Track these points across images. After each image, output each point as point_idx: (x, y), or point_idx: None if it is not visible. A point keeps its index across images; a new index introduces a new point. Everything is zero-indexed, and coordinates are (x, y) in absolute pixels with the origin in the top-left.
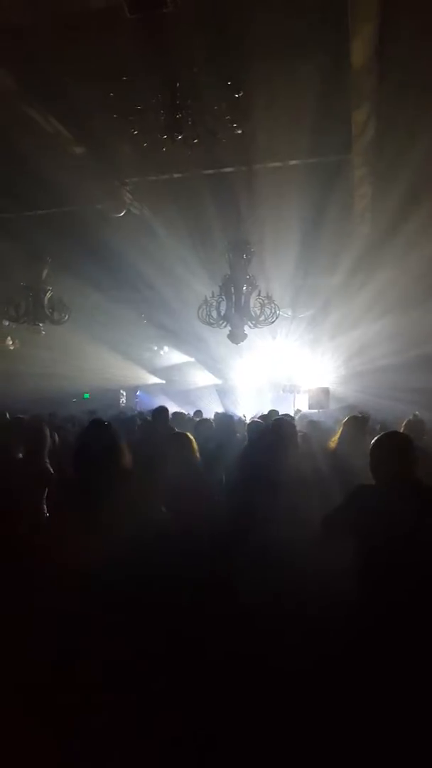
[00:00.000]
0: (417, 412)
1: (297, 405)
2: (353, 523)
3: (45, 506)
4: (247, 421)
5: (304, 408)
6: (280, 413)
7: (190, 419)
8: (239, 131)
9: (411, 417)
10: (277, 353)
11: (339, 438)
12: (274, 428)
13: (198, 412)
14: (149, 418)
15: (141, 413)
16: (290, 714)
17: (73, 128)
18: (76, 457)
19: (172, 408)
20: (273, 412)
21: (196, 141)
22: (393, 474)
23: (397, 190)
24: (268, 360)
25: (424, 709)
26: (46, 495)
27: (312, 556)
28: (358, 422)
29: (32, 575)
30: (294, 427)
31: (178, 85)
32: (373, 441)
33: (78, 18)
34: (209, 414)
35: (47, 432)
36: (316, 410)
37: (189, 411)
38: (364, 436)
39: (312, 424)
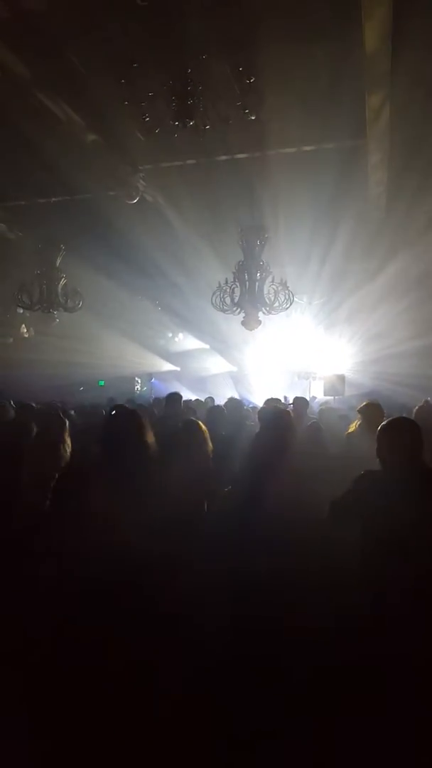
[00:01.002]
0: (430, 398)
1: (312, 392)
2: (359, 508)
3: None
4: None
5: (320, 395)
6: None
7: (202, 404)
8: (252, 117)
9: (422, 403)
10: (292, 340)
11: (357, 426)
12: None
13: (210, 399)
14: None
15: (157, 398)
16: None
17: (86, 115)
18: (105, 438)
19: (186, 395)
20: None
21: (207, 127)
22: (400, 460)
23: (413, 175)
24: (283, 346)
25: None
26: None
27: (317, 542)
28: (373, 409)
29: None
30: (287, 414)
31: (189, 71)
32: (380, 426)
33: (90, 5)
34: (222, 401)
35: (62, 420)
36: (331, 397)
37: (203, 398)
38: (377, 422)
39: (324, 411)
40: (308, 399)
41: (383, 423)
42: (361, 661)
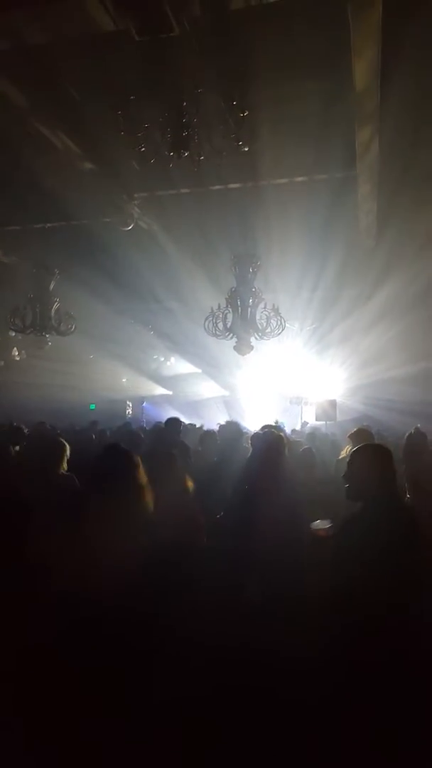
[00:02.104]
0: (419, 425)
1: (304, 417)
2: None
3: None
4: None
5: (311, 420)
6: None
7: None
8: (245, 149)
9: (412, 430)
10: (284, 365)
11: (347, 451)
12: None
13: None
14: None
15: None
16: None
17: (82, 144)
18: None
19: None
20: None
21: (202, 158)
22: (365, 490)
23: (402, 205)
24: (275, 372)
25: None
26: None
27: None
28: (363, 435)
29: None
30: (281, 440)
31: (184, 104)
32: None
33: (89, 39)
34: (214, 425)
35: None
36: (323, 422)
37: (195, 422)
38: None
39: (314, 437)
40: (300, 424)
41: (352, 451)
42: (361, 686)
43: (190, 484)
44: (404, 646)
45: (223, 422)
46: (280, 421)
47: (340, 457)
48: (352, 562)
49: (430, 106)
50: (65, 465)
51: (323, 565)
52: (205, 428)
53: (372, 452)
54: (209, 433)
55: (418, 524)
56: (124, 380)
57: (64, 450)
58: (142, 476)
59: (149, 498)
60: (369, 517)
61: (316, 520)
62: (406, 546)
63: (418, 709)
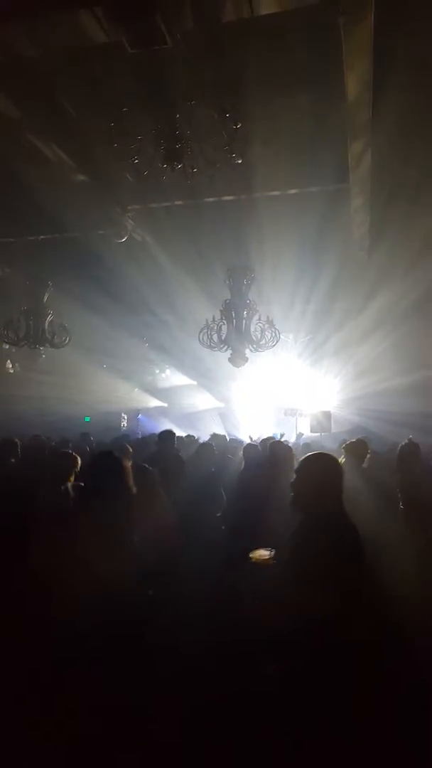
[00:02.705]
0: (411, 436)
1: (299, 428)
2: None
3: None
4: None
5: (306, 431)
6: (278, 436)
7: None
8: (238, 161)
9: (405, 441)
10: (279, 376)
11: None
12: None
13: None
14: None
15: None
16: None
17: (76, 157)
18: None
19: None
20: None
21: (195, 170)
22: (304, 502)
23: (395, 218)
24: (269, 383)
25: None
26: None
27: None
28: (356, 446)
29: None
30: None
31: (177, 116)
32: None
33: (82, 52)
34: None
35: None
36: (318, 433)
37: (193, 434)
38: (362, 460)
39: (307, 448)
40: (295, 435)
41: (302, 459)
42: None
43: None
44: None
45: (212, 434)
46: (277, 432)
47: None
48: (287, 577)
49: (421, 119)
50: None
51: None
52: (200, 440)
53: (313, 463)
54: (206, 445)
55: (358, 538)
56: (119, 393)
57: (76, 462)
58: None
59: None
60: (303, 531)
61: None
62: (338, 561)
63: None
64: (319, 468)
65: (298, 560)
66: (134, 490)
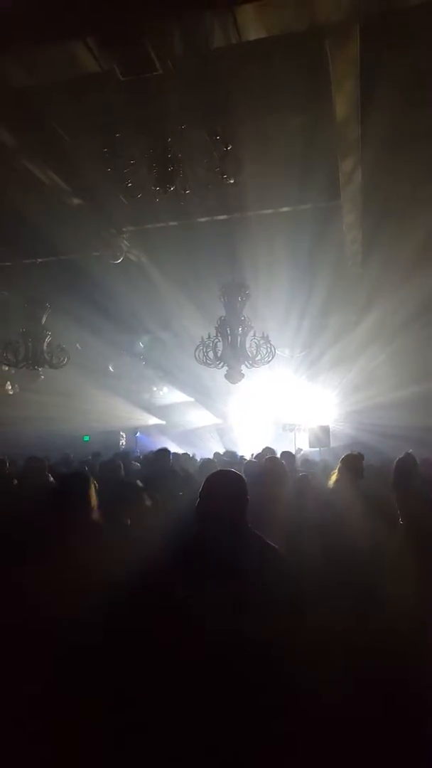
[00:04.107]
0: (410, 450)
1: (297, 443)
2: None
3: None
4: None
5: (305, 446)
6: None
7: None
8: (230, 181)
9: (403, 455)
10: (277, 392)
11: (336, 476)
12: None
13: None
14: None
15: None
16: None
17: (70, 181)
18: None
19: (172, 448)
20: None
21: (188, 192)
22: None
23: (387, 233)
24: (267, 399)
25: None
26: None
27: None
28: (352, 461)
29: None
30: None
31: (169, 140)
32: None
33: (74, 80)
34: (208, 453)
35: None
36: (317, 448)
37: (189, 451)
38: (359, 474)
39: (307, 463)
40: (294, 451)
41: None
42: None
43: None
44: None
45: (219, 452)
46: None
47: (330, 481)
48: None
49: (410, 135)
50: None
51: None
52: (198, 457)
53: (212, 479)
54: (209, 462)
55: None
56: (117, 412)
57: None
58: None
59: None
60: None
61: None
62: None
63: None
64: (211, 484)
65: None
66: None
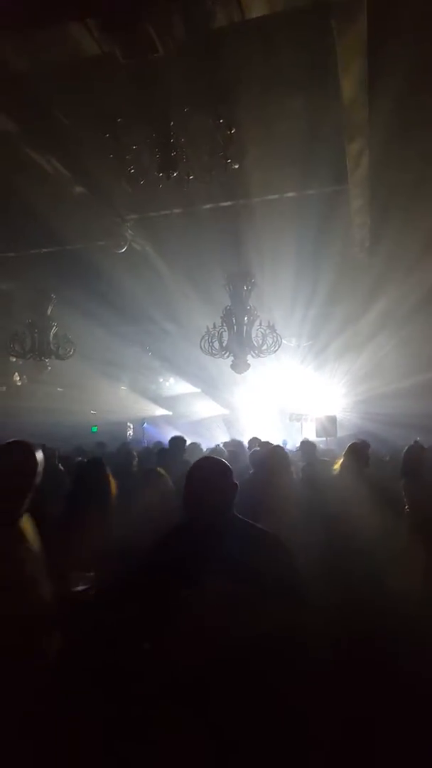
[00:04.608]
0: (418, 438)
1: (304, 433)
2: None
3: None
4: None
5: (312, 436)
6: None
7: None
8: (235, 166)
9: (412, 443)
10: (284, 382)
11: (340, 466)
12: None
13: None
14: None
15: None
16: None
17: (73, 169)
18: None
19: None
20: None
21: (191, 177)
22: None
23: (395, 218)
24: (274, 389)
25: None
26: None
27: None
28: (357, 450)
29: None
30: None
31: (171, 124)
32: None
33: (74, 64)
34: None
35: None
36: (323, 438)
37: (198, 442)
38: (364, 463)
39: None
40: (301, 441)
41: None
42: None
43: None
44: None
45: (226, 441)
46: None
47: (335, 467)
48: None
49: (419, 117)
50: None
51: None
52: (204, 447)
53: (197, 466)
54: (216, 451)
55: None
56: (124, 402)
57: None
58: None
59: None
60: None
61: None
62: None
63: None
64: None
65: None
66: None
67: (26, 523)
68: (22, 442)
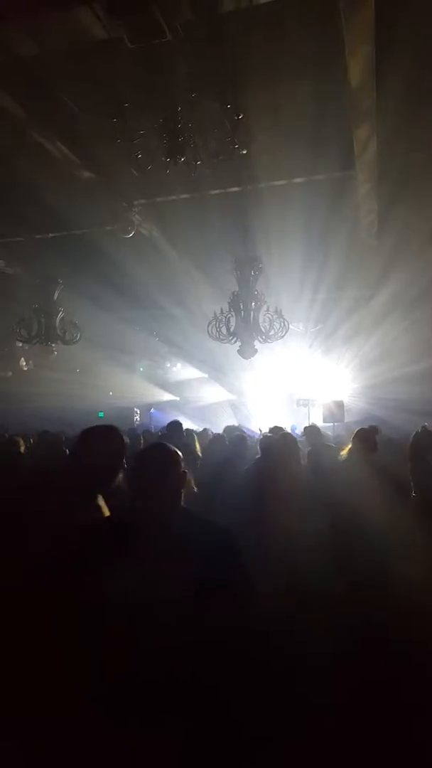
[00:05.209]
0: (426, 424)
1: (312, 418)
2: None
3: None
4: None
5: (319, 421)
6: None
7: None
8: (242, 152)
9: (420, 429)
10: (291, 367)
11: (348, 451)
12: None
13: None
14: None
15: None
16: None
17: (80, 153)
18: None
19: (187, 424)
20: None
21: (199, 163)
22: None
23: (403, 203)
24: (281, 374)
25: None
26: None
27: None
28: (364, 435)
29: None
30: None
31: (179, 109)
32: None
33: (81, 48)
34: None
35: None
36: (330, 423)
37: (203, 427)
38: (372, 448)
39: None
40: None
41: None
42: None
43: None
44: None
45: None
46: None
47: (343, 453)
48: None
49: (426, 102)
50: None
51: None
52: (211, 432)
53: (143, 454)
54: (218, 437)
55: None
56: (131, 388)
57: None
58: None
59: None
60: None
61: None
62: None
63: None
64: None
65: None
66: None
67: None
68: (115, 427)
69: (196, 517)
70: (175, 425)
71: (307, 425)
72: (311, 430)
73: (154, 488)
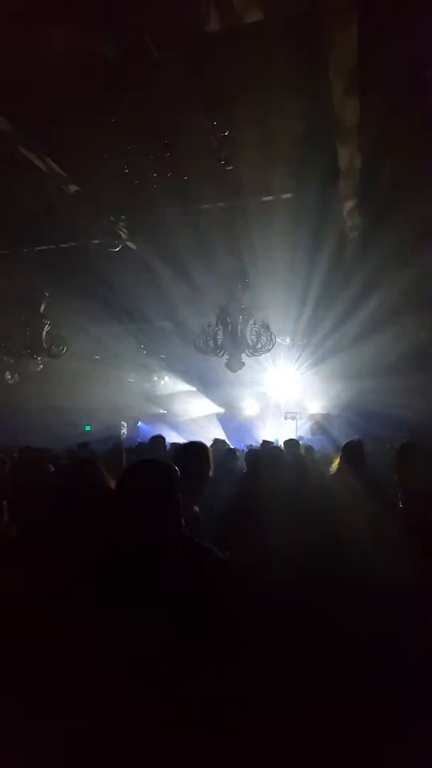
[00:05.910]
0: (407, 435)
1: (299, 431)
2: None
3: None
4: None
5: (307, 434)
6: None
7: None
8: (229, 168)
9: (404, 440)
10: (279, 380)
11: (337, 464)
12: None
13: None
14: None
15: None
16: None
17: (66, 167)
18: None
19: (174, 438)
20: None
21: (186, 178)
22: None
23: (388, 220)
24: (269, 387)
25: None
26: None
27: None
28: (352, 448)
29: None
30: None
31: (166, 126)
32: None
33: (66, 65)
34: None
35: None
36: (317, 436)
37: (189, 440)
38: (359, 462)
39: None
40: (296, 438)
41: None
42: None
43: None
44: None
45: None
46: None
47: (332, 468)
48: None
49: (409, 119)
50: None
51: None
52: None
53: (131, 470)
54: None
55: None
56: (118, 401)
57: None
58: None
59: None
60: None
61: None
62: None
63: None
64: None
65: None
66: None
67: None
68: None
69: (195, 547)
70: (157, 440)
71: (287, 439)
72: (290, 444)
73: (137, 512)
